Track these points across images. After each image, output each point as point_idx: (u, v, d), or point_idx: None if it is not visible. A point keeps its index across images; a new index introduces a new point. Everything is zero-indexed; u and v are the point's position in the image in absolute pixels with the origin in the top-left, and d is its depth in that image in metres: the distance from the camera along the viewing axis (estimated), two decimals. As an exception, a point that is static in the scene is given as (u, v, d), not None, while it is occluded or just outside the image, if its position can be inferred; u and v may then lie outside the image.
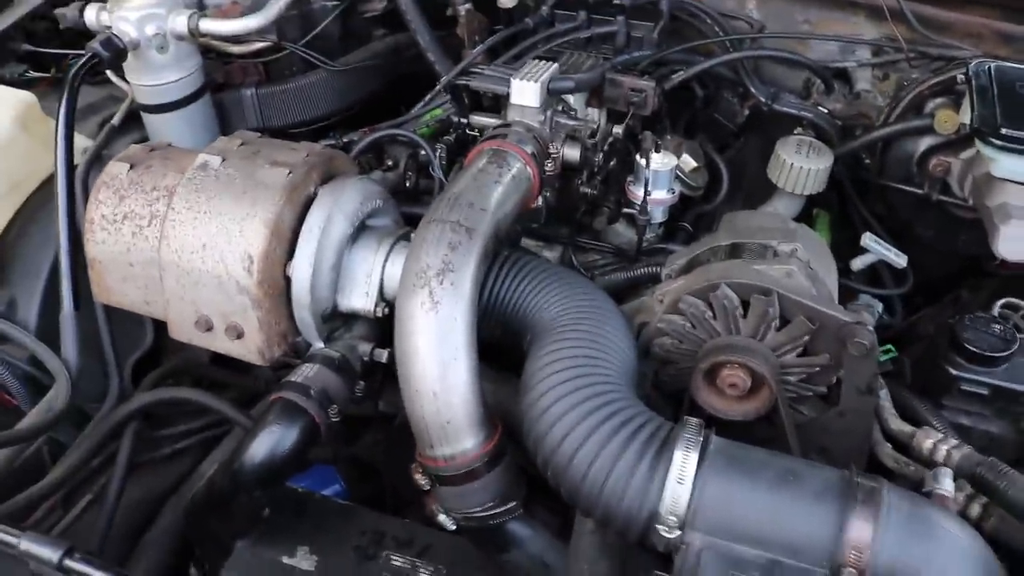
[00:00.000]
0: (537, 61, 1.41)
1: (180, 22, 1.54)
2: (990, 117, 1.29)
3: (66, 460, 1.40)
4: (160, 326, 1.63)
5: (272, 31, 1.63)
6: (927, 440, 1.19)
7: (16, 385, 1.41)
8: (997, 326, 1.29)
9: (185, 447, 1.58)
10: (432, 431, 1.11)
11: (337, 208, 1.26)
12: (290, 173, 1.25)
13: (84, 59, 1.47)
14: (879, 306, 1.50)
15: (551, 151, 1.33)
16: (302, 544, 1.35)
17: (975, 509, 1.15)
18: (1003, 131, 1.26)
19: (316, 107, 1.74)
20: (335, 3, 1.71)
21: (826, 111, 1.67)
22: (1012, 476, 1.09)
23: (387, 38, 1.81)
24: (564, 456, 1.01)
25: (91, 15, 1.58)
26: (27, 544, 0.93)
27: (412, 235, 1.31)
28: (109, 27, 1.55)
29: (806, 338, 1.15)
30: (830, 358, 1.16)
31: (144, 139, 1.68)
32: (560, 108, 1.41)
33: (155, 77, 1.59)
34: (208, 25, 1.56)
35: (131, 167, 1.33)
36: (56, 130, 1.42)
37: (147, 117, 1.65)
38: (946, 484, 1.08)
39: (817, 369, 1.17)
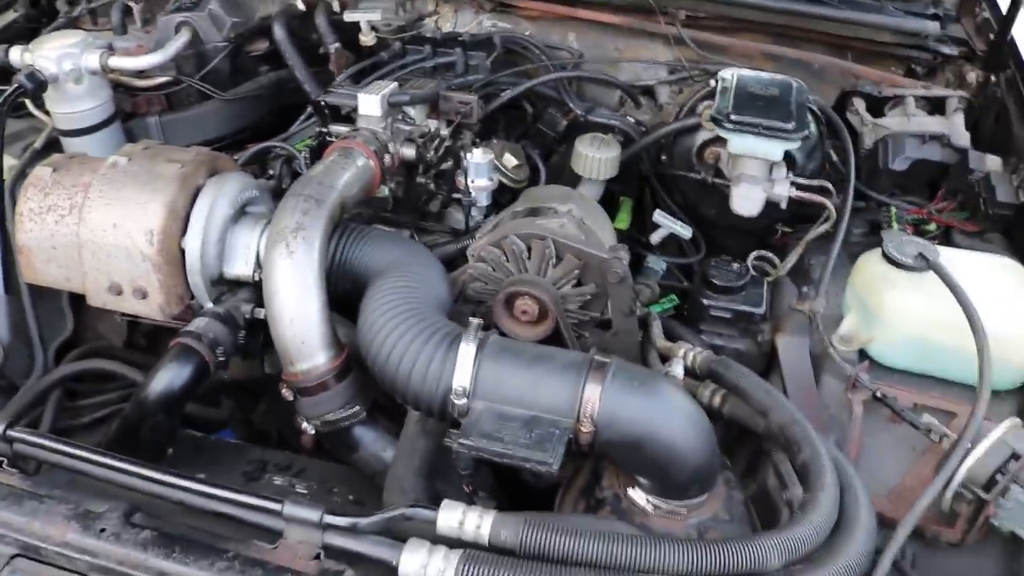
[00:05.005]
0: (380, 82, 1.89)
1: (92, 59, 2.00)
2: (725, 108, 1.79)
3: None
4: (79, 317, 2.06)
5: (172, 67, 2.10)
6: (680, 350, 1.65)
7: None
8: (736, 265, 1.79)
9: (103, 416, 1.97)
10: (292, 350, 1.54)
11: (221, 194, 1.71)
12: (182, 167, 1.70)
13: (11, 89, 1.91)
14: (663, 266, 1.98)
15: (390, 149, 1.80)
16: (198, 472, 1.76)
17: (716, 399, 1.60)
18: (732, 117, 1.76)
19: (212, 131, 2.20)
20: (225, 43, 2.19)
21: (634, 121, 2.18)
22: (734, 367, 1.55)
23: (270, 73, 2.29)
24: (384, 355, 1.44)
25: (15, 55, 2.03)
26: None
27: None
28: (31, 65, 2.00)
29: (576, 272, 1.61)
30: (597, 287, 1.63)
31: (63, 161, 2.12)
32: (400, 117, 1.89)
33: (72, 106, 2.04)
34: (116, 62, 2.02)
35: (54, 170, 1.77)
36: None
37: (65, 141, 2.09)
38: (676, 369, 1.53)
39: (589, 297, 1.64)
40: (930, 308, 1.54)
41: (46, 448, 1.31)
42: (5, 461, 1.32)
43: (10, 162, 2.02)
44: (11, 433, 1.32)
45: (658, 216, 1.98)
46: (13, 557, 1.22)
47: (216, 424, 2.07)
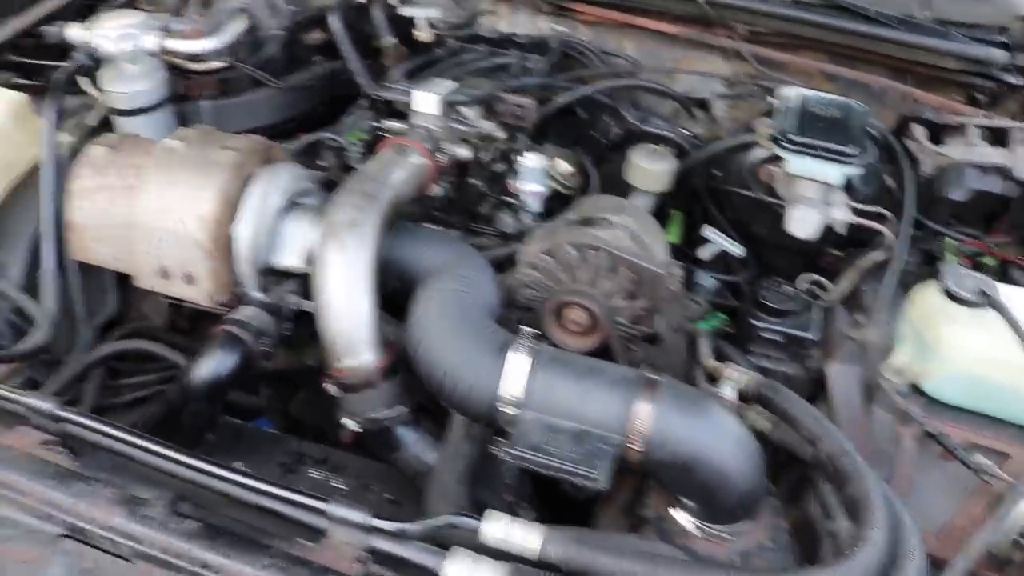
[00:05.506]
0: (437, 79, 1.88)
1: (150, 40, 2.01)
2: (785, 128, 1.77)
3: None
4: (123, 295, 2.06)
5: (227, 52, 2.10)
6: (728, 370, 1.63)
7: (5, 330, 1.80)
8: (789, 288, 1.77)
9: (143, 396, 1.98)
10: (339, 345, 1.54)
11: (273, 184, 1.71)
12: (237, 154, 1.70)
13: (69, 66, 1.92)
14: (712, 283, 1.96)
15: (444, 148, 1.80)
16: (236, 461, 1.76)
17: (763, 423, 1.58)
18: (792, 138, 1.74)
19: (263, 118, 2.19)
20: (280, 32, 2.19)
21: (689, 133, 2.16)
22: (784, 392, 1.53)
23: (325, 64, 2.29)
24: (433, 358, 1.44)
25: (73, 32, 2.03)
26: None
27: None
28: (88, 43, 2.01)
29: (629, 285, 1.60)
30: (649, 301, 1.61)
31: (114, 139, 2.12)
32: (456, 117, 1.88)
33: (127, 85, 2.03)
34: (173, 44, 2.03)
35: (109, 149, 1.77)
36: (45, 120, 1.86)
37: (118, 120, 2.08)
38: (727, 391, 1.52)
39: (640, 311, 1.62)
40: (990, 346, 1.51)
41: (96, 431, 1.31)
42: (55, 440, 1.33)
43: (64, 138, 2.02)
44: (62, 413, 1.32)
45: (708, 232, 1.96)
46: (61, 537, 1.22)
47: (253, 411, 2.07)
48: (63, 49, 2.12)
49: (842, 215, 1.75)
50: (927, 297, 1.64)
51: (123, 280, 2.02)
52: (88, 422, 1.31)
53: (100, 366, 1.91)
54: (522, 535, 1.20)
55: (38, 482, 1.27)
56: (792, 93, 1.88)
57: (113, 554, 1.22)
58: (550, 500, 1.67)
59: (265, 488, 1.24)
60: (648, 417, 1.34)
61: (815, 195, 1.76)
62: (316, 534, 1.22)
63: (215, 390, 1.63)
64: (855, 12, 2.10)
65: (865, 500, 1.31)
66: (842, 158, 1.71)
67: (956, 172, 1.95)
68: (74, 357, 1.89)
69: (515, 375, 1.38)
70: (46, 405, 1.31)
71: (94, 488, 1.27)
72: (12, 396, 1.34)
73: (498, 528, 1.20)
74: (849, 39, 2.14)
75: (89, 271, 1.90)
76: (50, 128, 1.85)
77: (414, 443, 1.62)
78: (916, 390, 1.63)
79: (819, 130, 1.76)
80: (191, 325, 2.16)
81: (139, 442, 1.30)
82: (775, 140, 1.77)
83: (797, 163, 1.74)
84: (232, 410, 1.96)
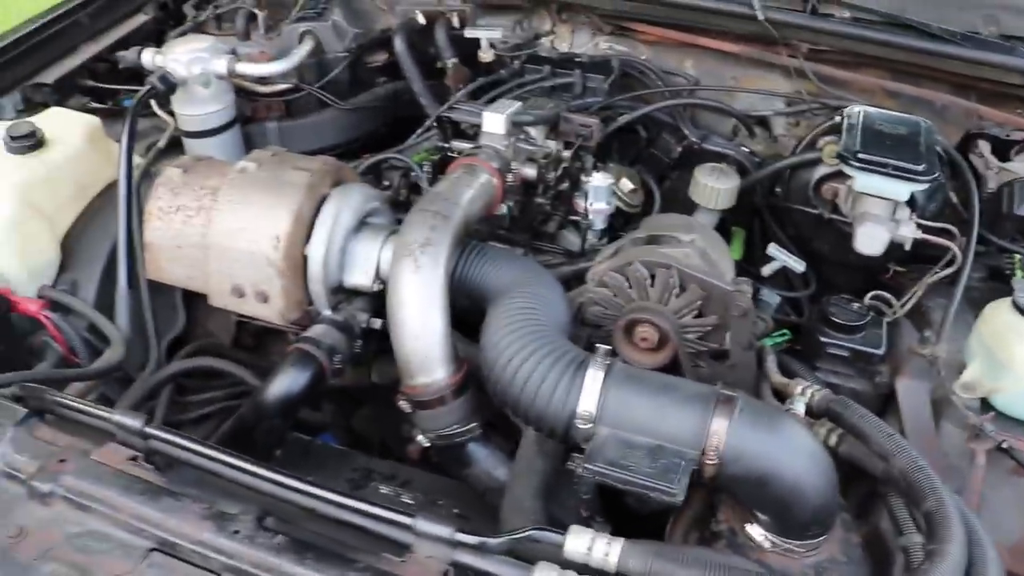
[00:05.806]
0: (504, 100, 1.92)
1: (220, 64, 2.07)
2: (852, 146, 1.78)
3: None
4: (191, 314, 2.11)
5: (293, 75, 2.15)
6: (797, 387, 1.63)
7: (80, 347, 1.86)
8: (856, 304, 1.78)
9: (209, 412, 2.02)
10: (414, 363, 1.57)
11: (345, 204, 1.75)
12: (310, 175, 1.74)
13: (145, 89, 1.99)
14: (776, 299, 1.98)
15: (512, 168, 1.83)
16: (306, 476, 1.79)
17: (832, 438, 1.59)
18: (860, 155, 1.75)
19: (327, 139, 2.25)
20: (345, 54, 2.24)
21: (748, 151, 2.18)
22: (854, 407, 1.54)
23: (387, 85, 2.34)
24: (508, 375, 1.46)
25: (147, 57, 2.10)
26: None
27: (403, 225, 1.80)
28: (161, 67, 2.07)
29: (699, 303, 1.62)
30: (718, 319, 1.63)
31: (184, 161, 2.18)
32: (522, 137, 1.91)
33: (197, 108, 2.10)
34: (242, 68, 2.09)
35: (184, 171, 1.82)
36: (121, 143, 1.91)
37: (188, 142, 2.15)
38: (798, 407, 1.53)
39: (709, 328, 1.64)
40: (1064, 362, 1.52)
41: (183, 447, 1.35)
42: (141, 456, 1.37)
43: (135, 160, 2.08)
44: (148, 430, 1.36)
45: (772, 249, 1.98)
46: (151, 551, 1.25)
47: (317, 427, 2.10)
48: (133, 74, 2.19)
49: (910, 232, 1.75)
50: (999, 314, 1.65)
51: (189, 297, 2.08)
52: (176, 439, 1.35)
53: (170, 383, 1.95)
54: (603, 548, 1.22)
55: (128, 497, 1.31)
56: (855, 111, 1.89)
57: (203, 568, 1.24)
58: (613, 514, 1.68)
59: (352, 504, 1.27)
60: (724, 432, 1.35)
61: (881, 212, 1.77)
62: (400, 548, 1.25)
63: (288, 407, 1.67)
64: (918, 29, 2.10)
65: (941, 515, 1.31)
66: (910, 175, 1.72)
67: (1022, 187, 1.95)
68: (145, 374, 1.93)
69: (592, 391, 1.40)
70: (135, 422, 1.35)
71: (183, 503, 1.31)
72: (102, 414, 1.38)
73: (582, 542, 1.22)
74: (912, 56, 2.14)
75: (158, 289, 1.95)
76: (127, 151, 1.90)
77: (485, 459, 1.65)
78: (986, 405, 1.64)
79: (885, 147, 1.77)
80: (256, 342, 2.20)
81: (225, 458, 1.33)
82: (842, 157, 1.78)
83: (864, 180, 1.76)
84: (296, 426, 2.00)
